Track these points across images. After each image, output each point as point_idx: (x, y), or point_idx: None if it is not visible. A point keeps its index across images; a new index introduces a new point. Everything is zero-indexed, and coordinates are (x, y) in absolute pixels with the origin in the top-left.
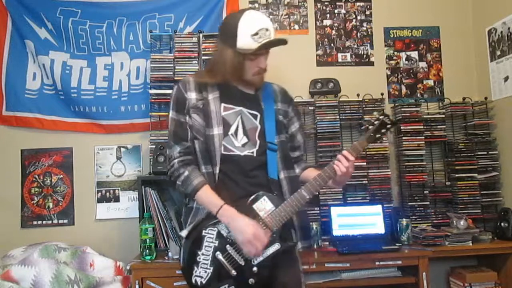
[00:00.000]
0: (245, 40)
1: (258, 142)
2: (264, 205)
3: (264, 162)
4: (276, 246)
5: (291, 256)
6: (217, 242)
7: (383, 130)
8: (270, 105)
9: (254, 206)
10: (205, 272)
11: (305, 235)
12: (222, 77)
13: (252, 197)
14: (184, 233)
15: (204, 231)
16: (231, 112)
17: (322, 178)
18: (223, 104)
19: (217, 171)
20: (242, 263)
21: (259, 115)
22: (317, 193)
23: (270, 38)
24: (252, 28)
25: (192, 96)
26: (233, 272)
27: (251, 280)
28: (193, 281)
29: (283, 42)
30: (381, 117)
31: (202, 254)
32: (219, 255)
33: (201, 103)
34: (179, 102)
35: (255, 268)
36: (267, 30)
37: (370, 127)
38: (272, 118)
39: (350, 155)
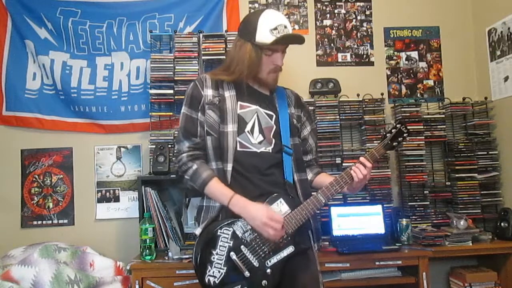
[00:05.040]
0: (264, 34)
1: (273, 141)
2: (280, 207)
3: (280, 161)
4: (290, 249)
5: (308, 258)
6: (231, 242)
7: (400, 139)
8: (284, 108)
9: (270, 207)
10: (219, 272)
11: (317, 237)
12: (239, 75)
13: (268, 199)
14: (198, 231)
15: (219, 230)
16: (247, 110)
17: (338, 183)
18: (239, 102)
19: (229, 168)
20: (256, 264)
21: (274, 116)
22: (332, 199)
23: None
24: (272, 23)
25: (208, 92)
26: (247, 273)
27: (264, 282)
28: (206, 280)
29: (300, 39)
30: (398, 125)
31: (217, 254)
32: (234, 256)
33: (217, 100)
34: (194, 98)
35: (268, 270)
36: (285, 27)
37: (388, 135)
38: (286, 121)
39: (367, 162)
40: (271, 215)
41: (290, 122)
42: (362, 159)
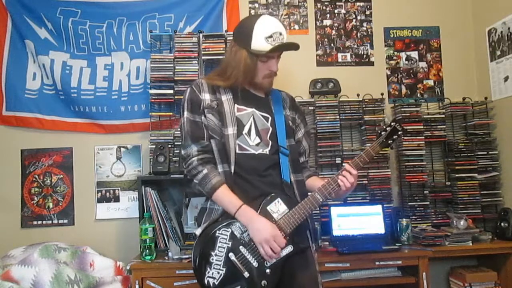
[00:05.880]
0: (259, 41)
1: (270, 142)
2: (278, 207)
3: (277, 162)
4: (289, 249)
5: (306, 258)
6: (230, 243)
7: (394, 136)
8: (279, 110)
9: (268, 208)
10: (218, 273)
11: (314, 237)
12: (234, 80)
13: (266, 199)
14: (198, 231)
15: (217, 232)
16: (243, 113)
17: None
18: (236, 105)
19: (232, 170)
20: (255, 264)
21: (270, 118)
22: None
23: (283, 41)
24: (267, 31)
25: (206, 97)
26: (246, 274)
27: (263, 282)
28: (206, 282)
29: (295, 46)
30: (392, 123)
31: (215, 255)
32: (233, 256)
33: (215, 104)
34: (193, 102)
35: (268, 270)
36: (280, 34)
37: (383, 133)
38: (282, 122)
39: (352, 169)
40: (276, 234)
41: (286, 124)
42: (347, 166)
